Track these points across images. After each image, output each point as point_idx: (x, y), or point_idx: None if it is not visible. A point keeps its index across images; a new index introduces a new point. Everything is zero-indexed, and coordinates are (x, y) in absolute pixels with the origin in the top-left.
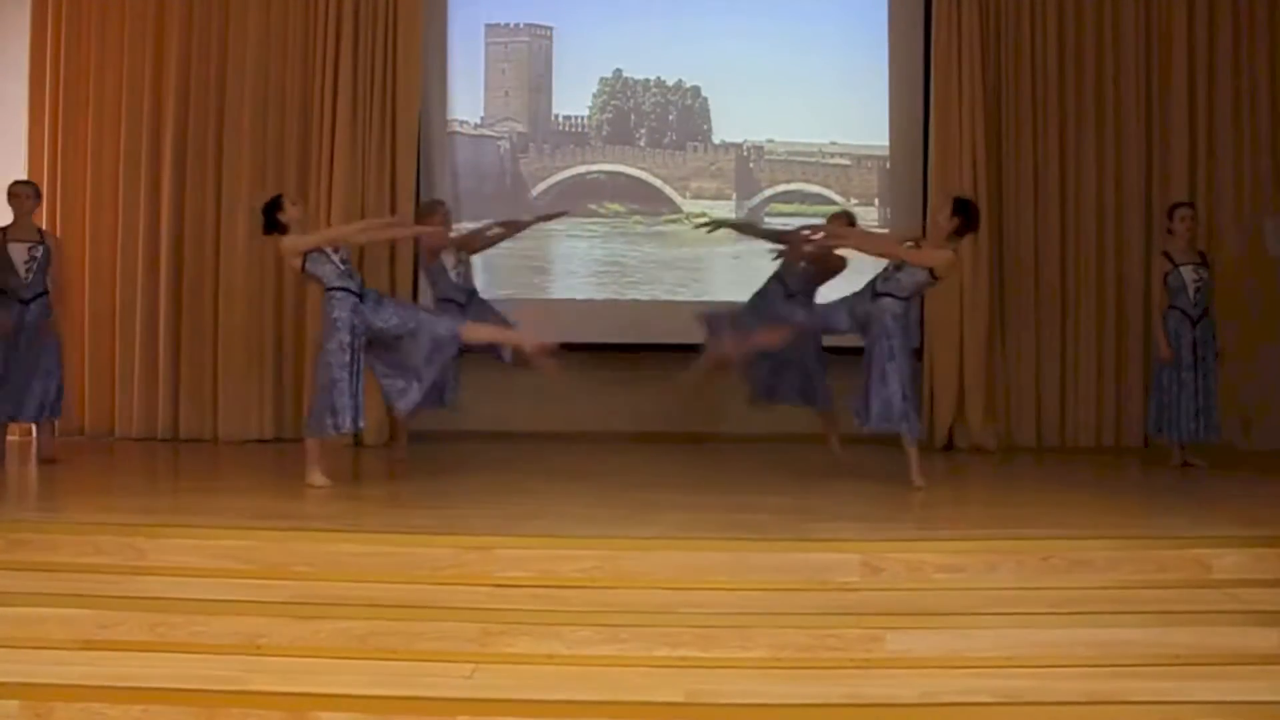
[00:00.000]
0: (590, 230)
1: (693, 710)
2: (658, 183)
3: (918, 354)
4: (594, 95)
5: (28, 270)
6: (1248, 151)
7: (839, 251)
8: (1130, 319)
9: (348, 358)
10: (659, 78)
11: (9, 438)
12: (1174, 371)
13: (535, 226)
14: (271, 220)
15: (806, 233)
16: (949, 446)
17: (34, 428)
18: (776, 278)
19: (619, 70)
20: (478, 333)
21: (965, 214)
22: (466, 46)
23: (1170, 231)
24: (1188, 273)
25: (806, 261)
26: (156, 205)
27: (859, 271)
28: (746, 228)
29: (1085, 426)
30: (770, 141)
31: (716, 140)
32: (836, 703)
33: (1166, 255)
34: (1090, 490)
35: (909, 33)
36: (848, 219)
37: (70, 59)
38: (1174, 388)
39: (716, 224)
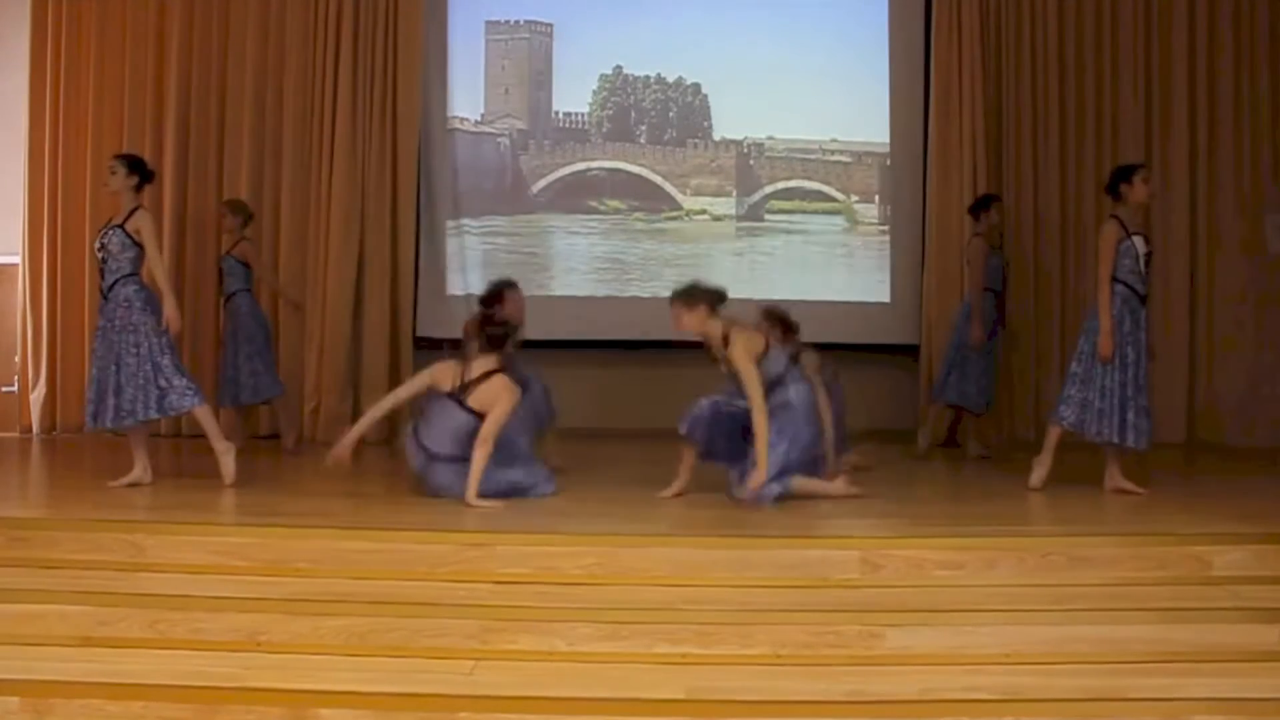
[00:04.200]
0: (590, 227)
1: (693, 707)
2: (658, 179)
3: (915, 352)
4: (594, 92)
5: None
6: (1248, 148)
7: None
8: None
9: None
10: (659, 74)
11: None
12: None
13: (534, 222)
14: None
15: None
16: (949, 443)
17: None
18: None
19: (619, 67)
20: None
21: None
22: (467, 43)
23: (1119, 198)
24: (1140, 243)
25: None
26: (158, 204)
27: None
28: None
29: None
30: (770, 138)
31: (717, 137)
32: (837, 700)
33: (1118, 220)
34: (1090, 487)
35: (909, 30)
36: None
37: (70, 56)
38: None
39: None
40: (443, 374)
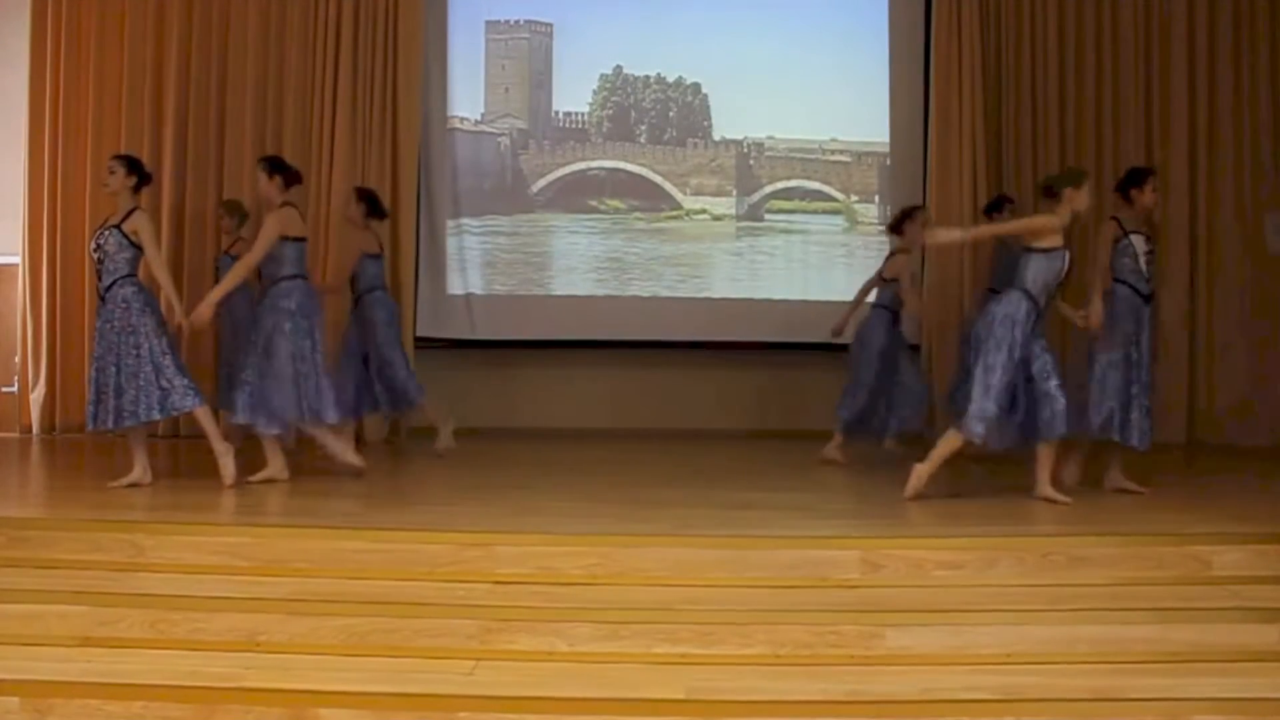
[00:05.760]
0: (590, 226)
1: (693, 707)
2: (658, 179)
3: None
4: (594, 91)
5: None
6: (1248, 148)
7: None
8: None
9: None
10: (659, 74)
11: None
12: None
13: (534, 221)
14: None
15: None
16: None
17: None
18: None
19: (619, 67)
20: None
21: None
22: (467, 43)
23: (1127, 200)
24: (1139, 241)
25: None
26: (156, 203)
27: None
28: None
29: None
30: (770, 138)
31: (717, 137)
32: (836, 699)
33: (1116, 220)
34: (1090, 487)
35: (909, 29)
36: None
37: (70, 56)
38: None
39: None
40: (290, 221)
